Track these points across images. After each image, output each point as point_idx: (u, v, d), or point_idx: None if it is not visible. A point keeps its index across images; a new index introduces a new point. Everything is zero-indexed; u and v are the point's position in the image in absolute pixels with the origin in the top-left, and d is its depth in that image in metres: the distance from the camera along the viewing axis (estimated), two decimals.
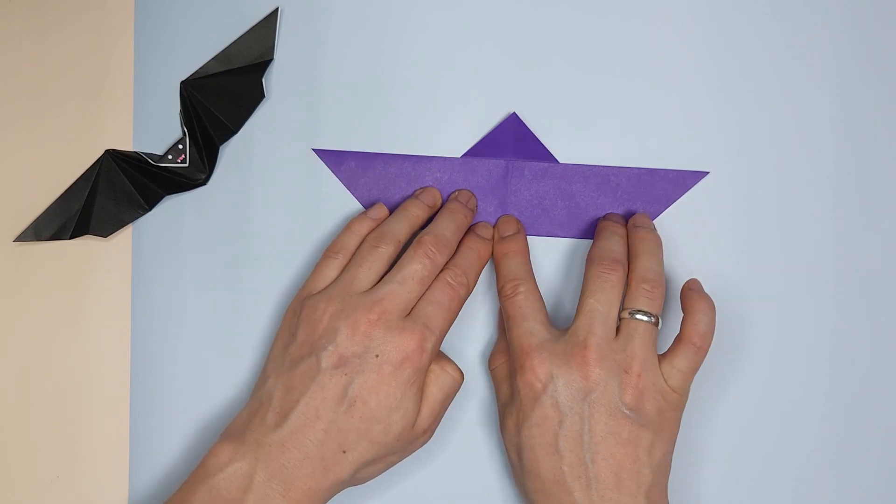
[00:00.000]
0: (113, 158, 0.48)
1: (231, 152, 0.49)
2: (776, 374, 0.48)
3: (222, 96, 0.49)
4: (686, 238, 0.48)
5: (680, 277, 0.48)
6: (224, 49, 0.49)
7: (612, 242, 0.45)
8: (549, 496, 0.41)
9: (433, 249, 0.44)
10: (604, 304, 0.43)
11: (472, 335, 0.49)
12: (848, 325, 0.48)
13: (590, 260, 0.45)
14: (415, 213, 0.47)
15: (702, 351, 0.43)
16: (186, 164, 0.49)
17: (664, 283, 0.44)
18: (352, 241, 0.46)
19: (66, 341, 0.49)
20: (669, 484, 0.43)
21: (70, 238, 0.48)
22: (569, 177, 0.49)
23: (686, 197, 0.48)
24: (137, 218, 0.49)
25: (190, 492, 0.41)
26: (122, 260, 0.49)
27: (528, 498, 0.43)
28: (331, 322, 0.42)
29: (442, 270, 0.45)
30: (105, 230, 0.48)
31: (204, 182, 0.49)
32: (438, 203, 0.48)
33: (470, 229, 0.48)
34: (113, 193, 0.48)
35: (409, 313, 0.43)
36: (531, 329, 0.43)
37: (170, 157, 0.49)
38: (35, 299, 0.49)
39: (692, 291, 0.45)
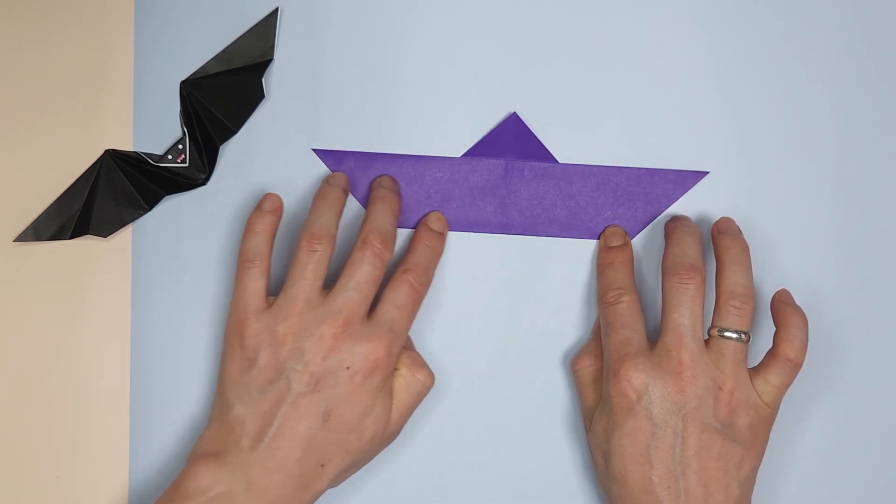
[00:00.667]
0: (113, 158, 0.48)
1: (231, 152, 0.49)
2: None
3: (222, 96, 0.49)
4: None
5: None
6: (224, 49, 0.49)
7: (685, 247, 0.45)
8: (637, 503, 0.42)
9: (380, 247, 0.44)
10: (688, 317, 0.43)
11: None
12: (847, 325, 0.48)
13: (665, 270, 0.44)
14: (334, 197, 0.46)
15: (797, 367, 0.43)
16: (186, 164, 0.49)
17: (754, 294, 0.44)
18: (262, 243, 0.45)
19: (66, 341, 0.49)
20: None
21: (70, 238, 0.48)
22: (569, 177, 0.49)
23: (686, 197, 0.48)
24: (137, 218, 0.49)
25: None
26: (122, 260, 0.49)
27: (613, 503, 0.43)
28: (295, 342, 0.42)
29: (401, 269, 0.45)
30: (105, 230, 0.48)
31: (204, 182, 0.49)
32: (348, 186, 0.48)
33: (422, 222, 0.48)
34: (113, 193, 0.48)
35: (371, 316, 0.43)
36: (629, 338, 0.43)
37: (170, 157, 0.49)
38: (35, 299, 0.49)
39: (784, 305, 0.45)
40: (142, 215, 0.49)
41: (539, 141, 0.48)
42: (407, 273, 0.45)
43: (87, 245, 0.49)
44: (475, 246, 0.49)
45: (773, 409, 0.43)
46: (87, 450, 0.48)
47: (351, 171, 0.49)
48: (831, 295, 0.48)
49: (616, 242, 0.48)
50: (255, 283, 0.44)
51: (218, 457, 0.42)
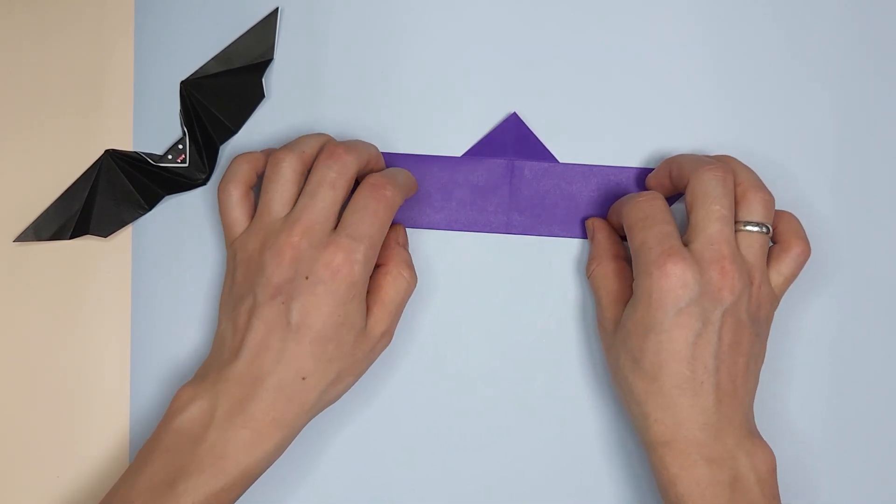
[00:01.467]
0: (113, 158, 0.48)
1: (231, 152, 0.49)
2: (775, 371, 0.48)
3: (222, 96, 0.49)
4: None
5: None
6: (224, 49, 0.49)
7: (697, 156, 0.45)
8: (665, 399, 0.41)
9: (339, 150, 0.43)
10: (728, 209, 0.42)
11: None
12: (848, 324, 0.48)
13: (691, 169, 0.43)
14: (328, 137, 0.46)
15: (807, 255, 0.43)
16: (186, 164, 0.49)
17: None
18: (241, 169, 0.45)
19: (66, 341, 0.49)
20: None
21: (70, 238, 0.48)
22: (569, 176, 0.49)
23: None
24: (137, 218, 0.49)
25: (155, 440, 0.41)
26: (122, 260, 0.49)
27: (636, 398, 0.42)
28: (259, 255, 0.42)
29: (363, 179, 0.44)
30: (105, 230, 0.48)
31: (204, 182, 0.49)
32: (370, 156, 0.46)
33: None
34: (113, 193, 0.48)
35: (336, 225, 0.43)
36: (670, 232, 0.42)
37: (170, 157, 0.49)
38: (35, 299, 0.49)
39: (776, 211, 0.45)
40: (142, 215, 0.49)
41: (539, 141, 0.48)
42: (367, 178, 0.44)
43: (87, 245, 0.49)
44: (475, 245, 0.49)
45: (780, 298, 0.44)
46: (87, 450, 0.48)
47: None
48: (831, 294, 0.48)
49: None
50: (234, 211, 0.45)
51: (200, 377, 0.42)
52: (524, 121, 0.49)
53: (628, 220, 0.44)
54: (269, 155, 0.45)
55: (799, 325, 0.48)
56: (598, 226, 0.47)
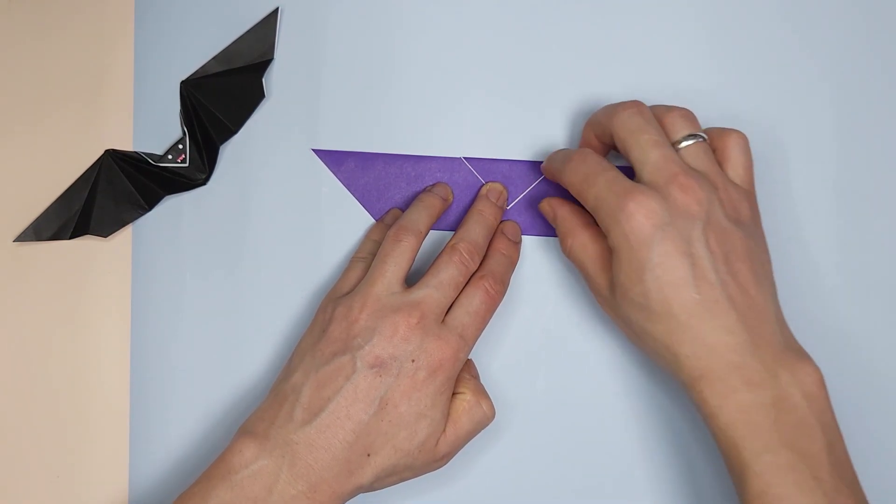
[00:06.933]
0: (113, 158, 0.49)
1: (231, 152, 0.49)
2: None
3: (222, 96, 0.49)
4: None
5: None
6: (224, 49, 0.49)
7: (604, 107, 0.44)
8: (687, 331, 0.40)
9: (467, 256, 0.44)
10: (658, 134, 0.42)
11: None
12: (848, 324, 0.48)
13: (607, 119, 0.43)
14: (431, 202, 0.47)
15: (743, 136, 0.43)
16: (186, 164, 0.49)
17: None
18: (374, 249, 0.47)
19: (66, 341, 0.49)
20: None
21: (70, 238, 0.48)
22: None
23: None
24: (137, 218, 0.49)
25: (209, 487, 0.40)
26: (122, 260, 0.49)
27: (661, 343, 0.41)
28: (368, 321, 0.42)
29: (478, 276, 0.45)
30: (105, 230, 0.48)
31: (204, 182, 0.49)
32: (451, 198, 0.48)
33: (499, 230, 0.48)
34: (113, 193, 0.48)
35: (445, 319, 0.43)
36: (614, 177, 0.41)
37: (170, 157, 0.49)
38: (35, 299, 0.49)
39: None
40: (142, 215, 0.49)
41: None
42: (483, 279, 0.45)
43: (87, 245, 0.49)
44: None
45: (752, 189, 0.44)
46: (87, 450, 0.48)
47: (351, 171, 0.49)
48: (832, 294, 0.48)
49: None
50: (355, 273, 0.46)
51: (265, 431, 0.41)
52: (524, 120, 0.49)
53: (572, 184, 0.44)
54: (392, 224, 0.46)
55: (799, 325, 0.48)
56: (555, 204, 0.47)
